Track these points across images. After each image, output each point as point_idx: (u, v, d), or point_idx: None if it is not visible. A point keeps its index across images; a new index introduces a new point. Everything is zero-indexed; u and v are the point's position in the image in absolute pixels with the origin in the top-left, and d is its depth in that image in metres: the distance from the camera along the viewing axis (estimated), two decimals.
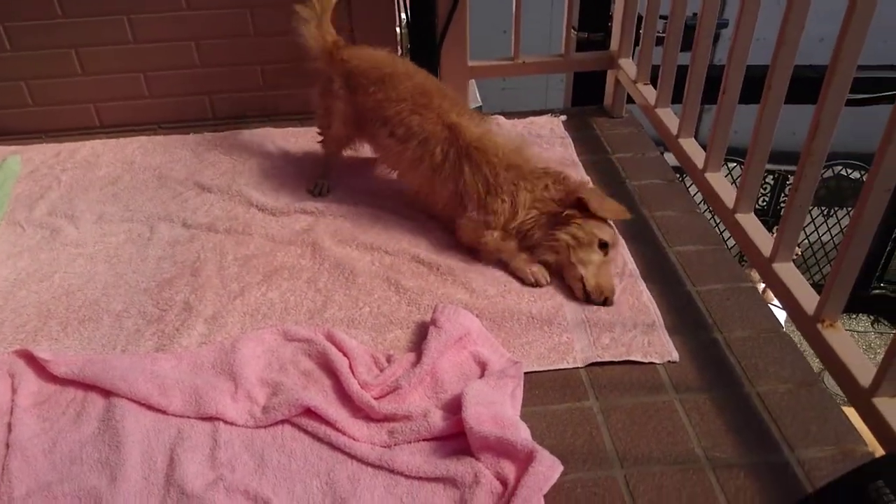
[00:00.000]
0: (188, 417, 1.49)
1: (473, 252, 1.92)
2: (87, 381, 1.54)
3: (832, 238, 6.41)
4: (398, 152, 1.99)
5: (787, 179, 6.19)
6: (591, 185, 2.04)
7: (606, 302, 1.73)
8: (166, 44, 2.57)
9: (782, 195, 6.32)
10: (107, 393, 1.52)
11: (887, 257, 6.44)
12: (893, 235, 6.29)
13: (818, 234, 6.43)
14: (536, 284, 1.82)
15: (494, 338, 1.66)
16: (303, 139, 2.52)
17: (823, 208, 6.48)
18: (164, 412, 1.50)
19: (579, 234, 1.77)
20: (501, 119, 2.58)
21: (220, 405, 1.49)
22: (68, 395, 1.53)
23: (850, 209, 6.34)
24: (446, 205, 1.96)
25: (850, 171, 6.24)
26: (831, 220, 6.43)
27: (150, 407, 1.50)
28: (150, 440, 1.45)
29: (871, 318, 6.44)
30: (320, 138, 2.26)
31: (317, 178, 2.22)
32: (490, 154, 1.86)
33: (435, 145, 1.91)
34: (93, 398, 1.52)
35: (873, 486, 1.08)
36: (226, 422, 1.48)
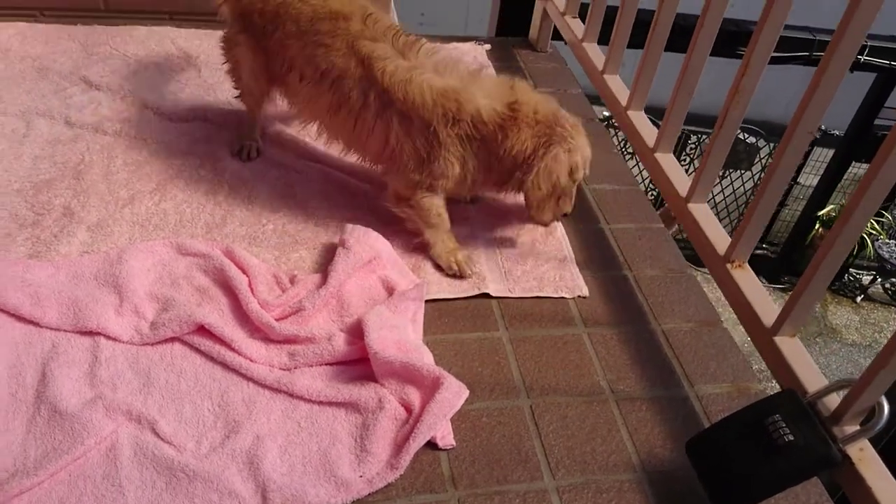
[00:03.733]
0: (65, 331, 1.36)
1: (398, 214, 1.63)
2: None
3: (724, 199, 6.72)
4: (310, 98, 1.62)
5: (689, 139, 6.40)
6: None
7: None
8: None
9: (683, 153, 6.54)
10: None
11: (770, 220, 6.84)
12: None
13: (711, 193, 6.73)
14: (459, 276, 1.57)
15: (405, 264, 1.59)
16: (207, 42, 2.31)
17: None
18: (36, 324, 1.36)
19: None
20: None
21: (101, 319, 1.36)
22: None
23: (743, 172, 6.65)
24: (380, 159, 1.62)
25: (746, 135, 6.51)
26: (725, 182, 6.73)
27: (20, 318, 1.36)
28: (18, 353, 1.31)
29: None
30: (236, 92, 1.85)
31: (240, 139, 1.85)
32: (419, 106, 1.49)
33: (350, 87, 1.53)
34: None
35: (770, 419, 1.11)
36: (108, 337, 1.35)
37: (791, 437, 1.08)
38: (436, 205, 1.59)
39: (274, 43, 1.63)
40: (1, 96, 1.96)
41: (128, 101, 1.99)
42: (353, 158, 1.73)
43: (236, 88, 1.84)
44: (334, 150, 1.89)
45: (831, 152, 6.12)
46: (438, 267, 1.60)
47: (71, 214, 1.60)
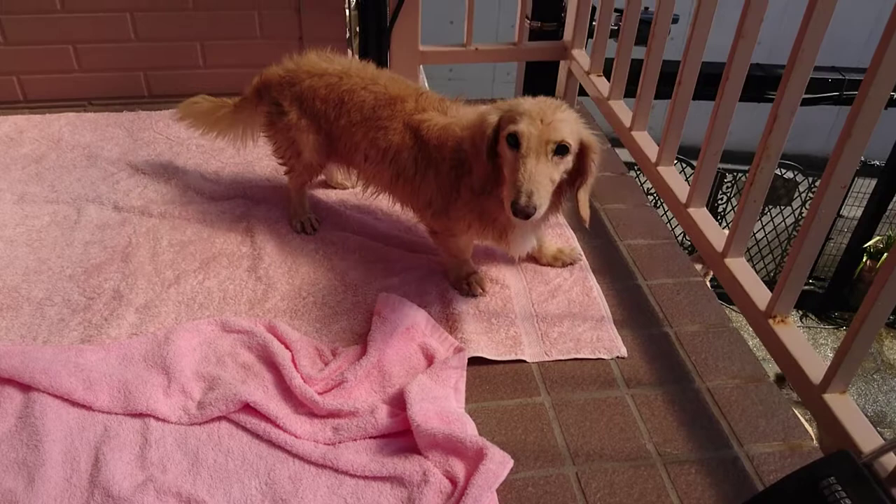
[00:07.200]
0: (116, 414, 1.39)
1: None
2: (2, 374, 1.42)
3: (766, 235, 6.61)
4: (375, 175, 1.78)
5: (725, 177, 6.34)
6: None
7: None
8: (98, 14, 2.40)
9: (719, 192, 6.48)
10: (25, 387, 1.41)
11: (818, 255, 6.68)
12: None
13: (751, 231, 6.62)
14: (473, 295, 1.72)
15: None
16: None
17: None
18: (89, 408, 1.40)
19: None
20: None
21: (151, 400, 1.39)
22: None
23: (783, 207, 6.54)
24: (423, 211, 1.74)
25: (784, 170, 6.44)
26: (765, 219, 6.63)
27: (73, 403, 1.40)
28: (72, 438, 1.34)
29: (800, 313, 6.68)
30: (286, 170, 1.92)
31: (297, 216, 1.93)
32: (447, 148, 1.61)
33: (406, 158, 1.68)
34: (9, 392, 1.41)
35: (825, 482, 1.08)
36: (157, 418, 1.38)
37: (848, 502, 1.05)
38: (459, 242, 1.70)
39: (339, 129, 1.77)
40: (53, 185, 2.06)
41: (171, 184, 2.08)
42: (408, 215, 1.89)
43: (289, 167, 1.90)
44: (370, 219, 1.95)
45: (874, 182, 5.99)
46: (475, 327, 1.61)
47: (120, 297, 1.66)
